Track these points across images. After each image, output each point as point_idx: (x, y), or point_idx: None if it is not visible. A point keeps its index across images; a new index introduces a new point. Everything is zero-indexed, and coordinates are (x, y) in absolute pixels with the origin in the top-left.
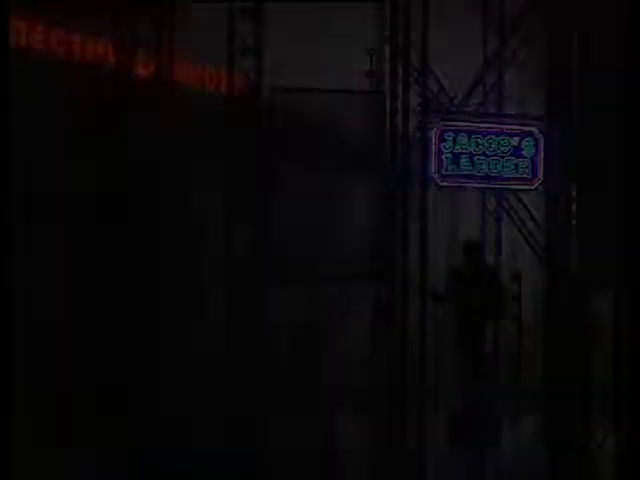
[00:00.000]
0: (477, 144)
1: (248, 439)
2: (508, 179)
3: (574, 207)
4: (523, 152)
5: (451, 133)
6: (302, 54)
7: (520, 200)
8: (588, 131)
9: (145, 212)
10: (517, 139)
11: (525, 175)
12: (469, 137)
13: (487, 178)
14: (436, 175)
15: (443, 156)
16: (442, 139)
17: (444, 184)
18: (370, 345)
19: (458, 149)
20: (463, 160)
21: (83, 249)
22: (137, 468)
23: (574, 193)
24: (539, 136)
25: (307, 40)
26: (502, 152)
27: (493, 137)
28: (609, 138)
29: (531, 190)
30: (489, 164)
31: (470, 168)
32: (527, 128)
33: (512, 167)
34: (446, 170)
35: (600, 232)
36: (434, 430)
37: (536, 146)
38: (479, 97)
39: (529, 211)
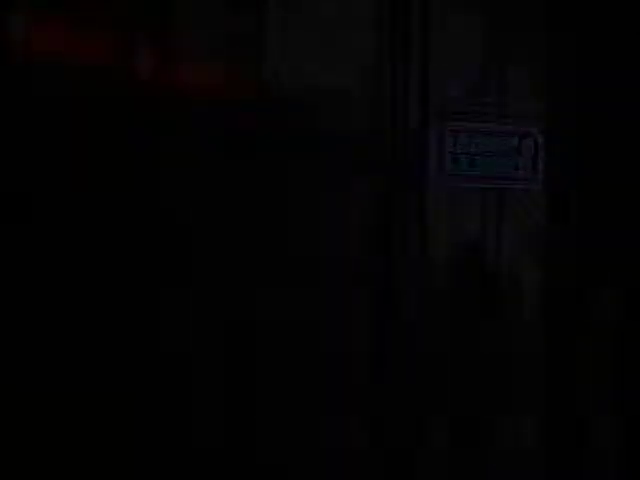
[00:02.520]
0: (477, 144)
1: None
2: (508, 179)
3: (574, 207)
4: (523, 152)
5: (451, 133)
6: (301, 53)
7: (520, 200)
8: (588, 130)
9: (144, 214)
10: (517, 139)
11: (525, 175)
12: (469, 137)
13: (487, 178)
14: (436, 175)
15: (443, 156)
16: (442, 139)
17: (444, 184)
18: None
19: (458, 149)
20: (463, 160)
21: (79, 249)
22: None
23: (574, 193)
24: (539, 136)
25: (306, 39)
26: (502, 152)
27: (493, 137)
28: (609, 138)
29: (531, 190)
30: (489, 164)
31: (470, 168)
32: (527, 128)
33: (512, 167)
34: (446, 170)
35: (600, 232)
36: (434, 430)
37: (536, 146)
38: (479, 97)
39: (529, 211)
